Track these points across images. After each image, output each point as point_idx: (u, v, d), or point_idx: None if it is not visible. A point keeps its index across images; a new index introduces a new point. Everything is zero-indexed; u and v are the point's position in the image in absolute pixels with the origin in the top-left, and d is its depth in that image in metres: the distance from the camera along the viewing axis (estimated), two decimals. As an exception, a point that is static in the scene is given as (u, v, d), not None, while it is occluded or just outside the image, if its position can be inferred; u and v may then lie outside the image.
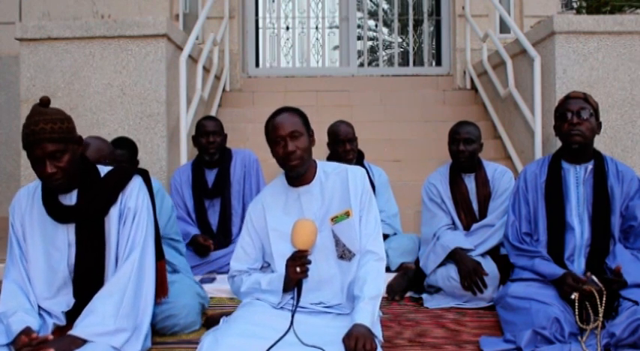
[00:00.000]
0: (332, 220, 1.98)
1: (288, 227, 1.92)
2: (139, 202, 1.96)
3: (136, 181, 2.00)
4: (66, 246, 1.92)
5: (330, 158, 3.39)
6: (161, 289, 2.11)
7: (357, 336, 1.68)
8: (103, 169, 2.02)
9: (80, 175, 1.92)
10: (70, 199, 1.93)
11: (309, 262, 1.88)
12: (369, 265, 1.92)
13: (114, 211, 1.94)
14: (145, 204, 1.98)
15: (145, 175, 2.07)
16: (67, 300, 1.92)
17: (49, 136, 1.78)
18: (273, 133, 1.96)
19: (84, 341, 1.74)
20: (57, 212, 1.91)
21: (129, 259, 1.91)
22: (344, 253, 1.97)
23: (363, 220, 1.98)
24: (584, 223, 2.35)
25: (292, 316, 1.81)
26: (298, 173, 1.97)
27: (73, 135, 1.88)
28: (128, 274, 1.88)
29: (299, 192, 2.02)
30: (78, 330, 1.76)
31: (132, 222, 1.94)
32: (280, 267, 1.96)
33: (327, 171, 2.04)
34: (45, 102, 1.84)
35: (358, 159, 3.46)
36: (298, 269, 1.86)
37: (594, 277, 2.13)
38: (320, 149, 3.56)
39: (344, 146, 3.33)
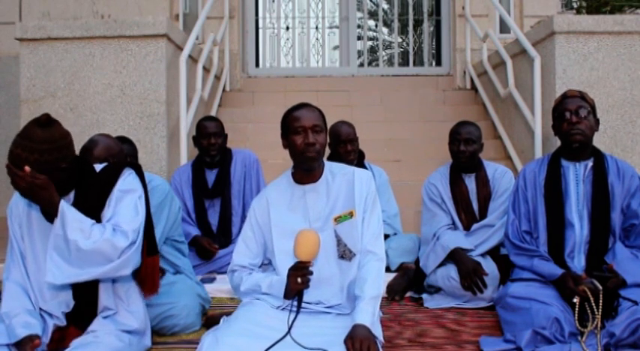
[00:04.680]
0: (335, 219, 1.98)
1: (292, 224, 1.92)
2: (129, 186, 1.91)
3: (125, 173, 1.96)
4: None
5: (330, 158, 3.39)
6: (152, 286, 2.04)
7: (361, 339, 1.67)
8: (99, 168, 1.98)
9: (77, 177, 1.89)
10: (68, 200, 1.90)
11: (311, 273, 1.87)
12: (369, 265, 1.92)
13: (107, 207, 1.91)
14: (139, 189, 1.93)
15: (138, 169, 2.03)
16: (66, 300, 1.91)
17: (22, 164, 1.71)
18: (294, 123, 1.94)
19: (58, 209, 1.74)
20: (54, 217, 1.87)
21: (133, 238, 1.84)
22: (345, 253, 1.97)
23: (366, 220, 1.98)
24: (583, 219, 2.35)
25: (291, 325, 1.80)
26: (312, 167, 1.97)
27: (54, 166, 1.76)
28: (103, 234, 1.80)
29: (305, 189, 2.01)
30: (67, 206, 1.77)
31: (120, 199, 1.89)
32: (282, 264, 1.96)
33: (334, 171, 2.04)
34: (42, 122, 1.74)
35: (359, 159, 3.46)
36: (299, 280, 1.85)
37: (593, 280, 2.13)
38: (320, 149, 3.57)
39: (345, 147, 3.32)
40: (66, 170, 1.82)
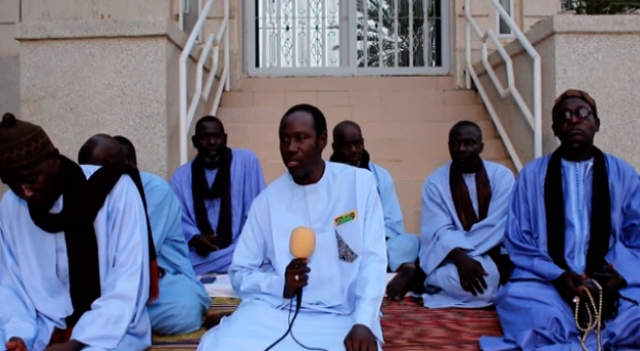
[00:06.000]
0: (336, 220, 1.97)
1: (292, 225, 1.91)
2: (128, 203, 1.91)
3: (124, 182, 1.94)
4: (53, 252, 1.89)
5: (333, 159, 3.37)
6: (152, 290, 2.06)
7: (360, 339, 1.67)
8: (89, 170, 1.95)
9: (64, 181, 1.86)
10: (57, 206, 1.88)
11: (309, 270, 1.87)
12: (371, 266, 1.91)
13: (101, 215, 1.89)
14: (136, 204, 1.93)
15: (134, 175, 2.01)
16: (64, 306, 1.89)
17: (17, 164, 1.69)
18: (281, 129, 1.95)
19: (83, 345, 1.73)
20: (44, 221, 1.86)
21: (134, 269, 1.87)
22: (346, 254, 1.97)
23: (367, 221, 1.97)
24: (583, 219, 2.35)
25: (291, 323, 1.79)
26: (297, 175, 1.96)
27: (45, 152, 1.76)
28: (137, 284, 1.87)
29: (305, 190, 2.00)
30: (81, 334, 1.75)
31: (121, 224, 1.90)
32: (282, 265, 1.96)
33: (335, 172, 2.03)
34: (8, 121, 1.71)
35: (363, 160, 3.43)
36: (297, 277, 1.85)
37: (593, 280, 2.13)
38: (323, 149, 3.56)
39: (349, 148, 3.29)
40: (57, 155, 1.82)
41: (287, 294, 1.91)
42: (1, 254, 1.93)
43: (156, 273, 2.10)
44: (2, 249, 1.93)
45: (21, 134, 1.71)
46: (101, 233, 1.90)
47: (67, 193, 1.87)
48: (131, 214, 1.91)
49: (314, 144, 1.94)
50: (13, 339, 1.71)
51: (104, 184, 1.90)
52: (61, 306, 1.90)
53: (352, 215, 1.96)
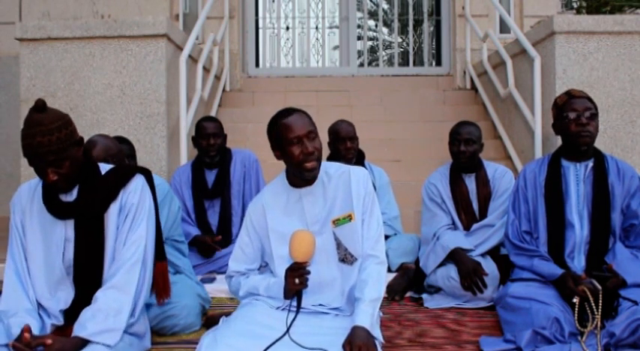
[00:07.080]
0: (334, 222, 1.96)
1: (289, 228, 1.90)
2: (142, 200, 1.94)
3: (139, 180, 1.98)
4: (62, 241, 1.91)
5: (330, 158, 3.39)
6: (163, 290, 2.09)
7: (360, 344, 1.66)
8: (105, 167, 2.00)
9: (81, 173, 1.91)
10: (71, 195, 1.92)
11: (309, 273, 1.86)
12: (370, 268, 1.91)
13: (114, 208, 1.92)
14: (148, 203, 1.96)
15: (148, 175, 2.05)
16: (64, 297, 1.91)
17: (47, 149, 1.76)
18: (287, 133, 1.86)
19: (86, 342, 1.74)
20: (56, 209, 1.90)
21: (134, 259, 1.88)
22: (345, 257, 1.95)
23: (366, 223, 1.95)
24: (583, 220, 2.35)
25: (289, 325, 1.79)
26: (314, 176, 1.93)
27: (73, 140, 1.85)
28: (137, 276, 1.87)
29: (300, 193, 1.98)
30: (83, 331, 1.75)
31: (132, 220, 1.93)
32: (279, 268, 1.95)
33: (329, 172, 2.00)
34: (40, 107, 1.79)
35: (359, 159, 3.45)
36: (297, 280, 1.84)
37: (593, 280, 2.13)
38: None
39: (345, 144, 3.32)
40: (82, 143, 1.89)
41: (287, 296, 1.90)
42: (11, 244, 1.97)
43: (166, 273, 2.12)
44: (13, 238, 1.96)
45: (52, 120, 1.80)
46: (111, 226, 1.92)
47: (83, 182, 1.92)
48: (142, 211, 1.94)
49: (321, 142, 1.94)
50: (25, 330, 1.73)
51: (119, 179, 1.95)
52: (61, 298, 1.91)
53: (350, 217, 1.95)
